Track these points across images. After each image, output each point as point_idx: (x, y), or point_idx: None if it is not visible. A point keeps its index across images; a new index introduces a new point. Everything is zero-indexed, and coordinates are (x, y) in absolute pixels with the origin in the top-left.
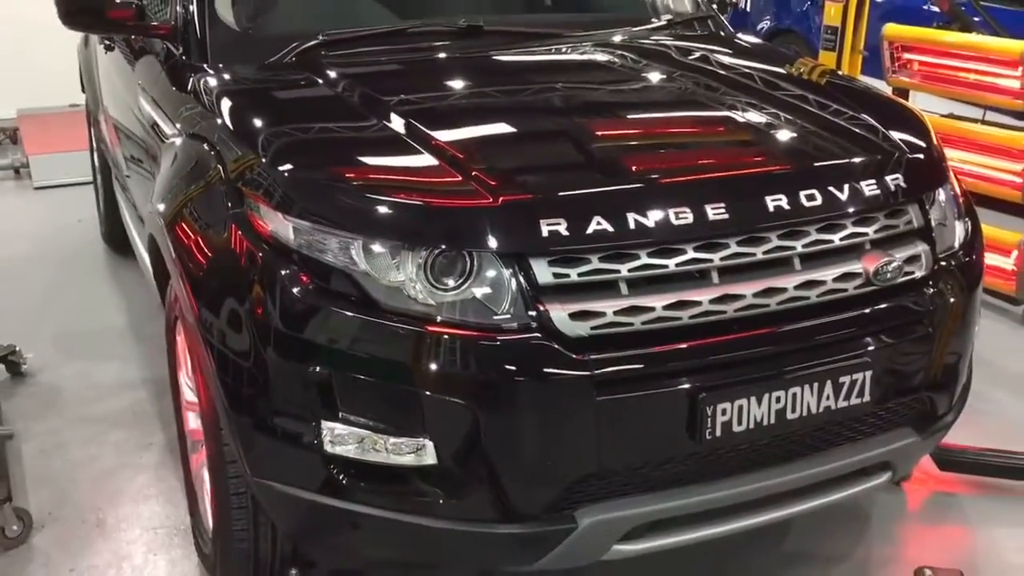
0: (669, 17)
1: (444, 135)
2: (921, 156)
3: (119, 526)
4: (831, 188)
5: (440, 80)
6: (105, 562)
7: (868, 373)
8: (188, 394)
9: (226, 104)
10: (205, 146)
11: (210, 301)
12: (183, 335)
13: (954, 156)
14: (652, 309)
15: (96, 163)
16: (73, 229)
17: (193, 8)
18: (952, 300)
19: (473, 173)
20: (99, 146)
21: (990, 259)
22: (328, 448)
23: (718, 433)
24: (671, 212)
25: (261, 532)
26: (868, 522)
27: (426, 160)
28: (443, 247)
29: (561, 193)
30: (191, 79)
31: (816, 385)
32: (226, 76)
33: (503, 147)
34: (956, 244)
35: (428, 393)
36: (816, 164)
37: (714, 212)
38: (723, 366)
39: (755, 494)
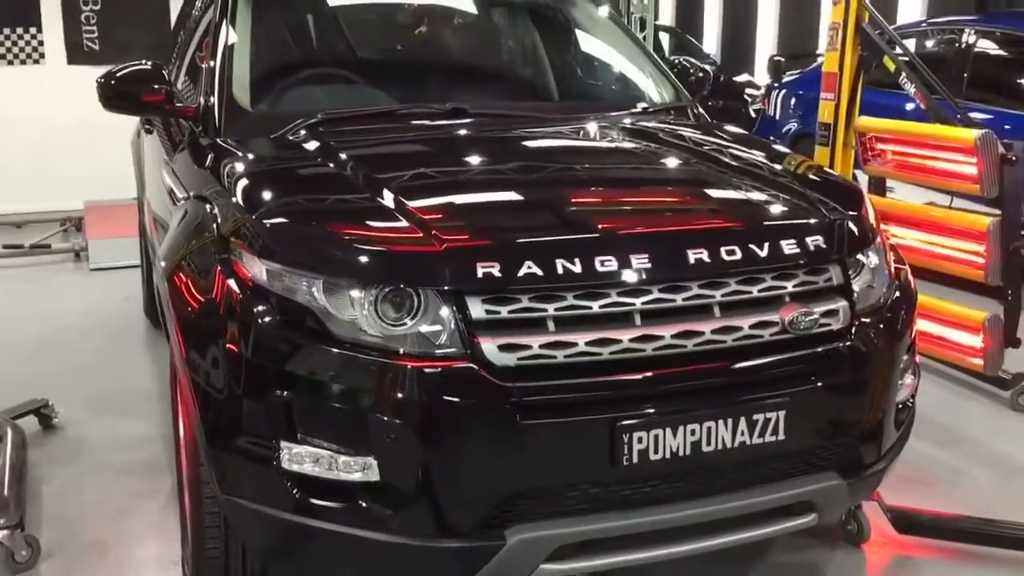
0: (644, 105)
1: (414, 200)
2: (844, 223)
3: (121, 558)
4: (751, 246)
5: (418, 153)
6: None
7: (782, 413)
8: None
9: (227, 170)
10: (207, 206)
11: (193, 334)
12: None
13: (923, 239)
14: (575, 344)
15: (143, 245)
16: (119, 307)
17: (214, 94)
18: (870, 354)
19: (433, 232)
20: (144, 229)
21: (960, 337)
22: (286, 466)
23: (635, 460)
24: (597, 260)
25: (232, 551)
26: None
27: (392, 218)
28: (393, 286)
29: (496, 242)
30: (204, 151)
31: (730, 421)
32: (232, 148)
33: (464, 208)
34: (881, 304)
35: (373, 415)
36: (738, 224)
37: (637, 262)
38: (640, 398)
39: (677, 523)
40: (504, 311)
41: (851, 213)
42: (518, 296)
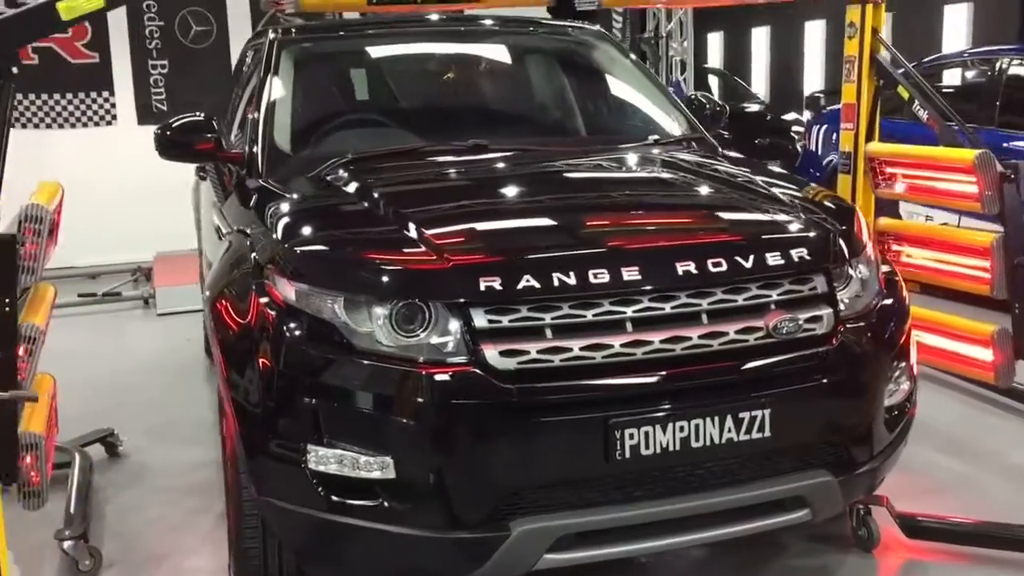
0: (656, 137)
1: (427, 224)
2: (831, 236)
3: (175, 567)
4: (737, 258)
5: (435, 185)
6: None
7: (767, 411)
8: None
9: (264, 206)
10: (246, 239)
11: (232, 353)
12: None
13: (934, 257)
14: (570, 349)
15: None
16: (182, 347)
17: (258, 140)
18: (855, 359)
19: (442, 251)
20: (201, 274)
21: (973, 351)
22: (313, 467)
23: (627, 455)
24: (590, 273)
25: (270, 550)
26: None
27: (405, 240)
28: (406, 300)
29: (498, 259)
30: (247, 191)
31: (717, 418)
32: (270, 187)
33: (471, 231)
34: (867, 312)
35: (388, 418)
36: (725, 239)
37: (628, 274)
38: (630, 398)
39: (671, 515)
40: (505, 320)
41: (838, 228)
42: (518, 307)
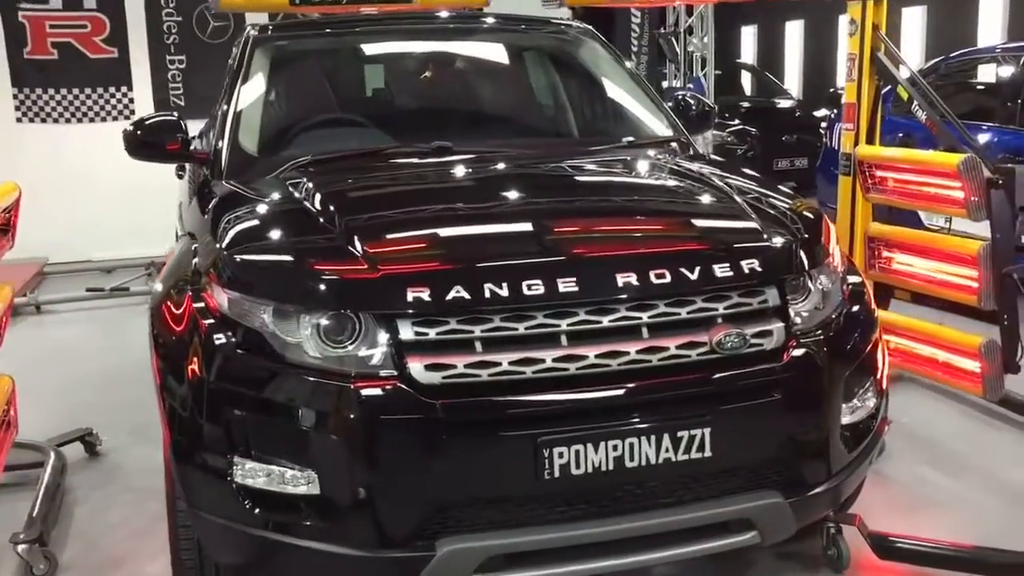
0: (631, 139)
1: (365, 233)
2: (788, 246)
3: (132, 572)
4: (681, 269)
5: (385, 189)
6: None
7: (707, 430)
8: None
9: (215, 209)
10: (193, 242)
11: (166, 359)
12: None
13: (925, 265)
14: (499, 364)
15: None
16: None
17: (223, 139)
18: (806, 375)
19: (375, 261)
20: None
21: (962, 363)
22: (240, 480)
23: (557, 474)
24: (524, 285)
25: (206, 563)
26: None
27: (340, 248)
28: (334, 310)
29: (428, 268)
30: (204, 192)
31: (653, 437)
32: (228, 187)
33: (408, 239)
34: (824, 326)
35: (313, 432)
36: (668, 249)
37: (564, 286)
38: (561, 415)
39: (605, 536)
40: (432, 333)
41: (798, 237)
42: (447, 319)
